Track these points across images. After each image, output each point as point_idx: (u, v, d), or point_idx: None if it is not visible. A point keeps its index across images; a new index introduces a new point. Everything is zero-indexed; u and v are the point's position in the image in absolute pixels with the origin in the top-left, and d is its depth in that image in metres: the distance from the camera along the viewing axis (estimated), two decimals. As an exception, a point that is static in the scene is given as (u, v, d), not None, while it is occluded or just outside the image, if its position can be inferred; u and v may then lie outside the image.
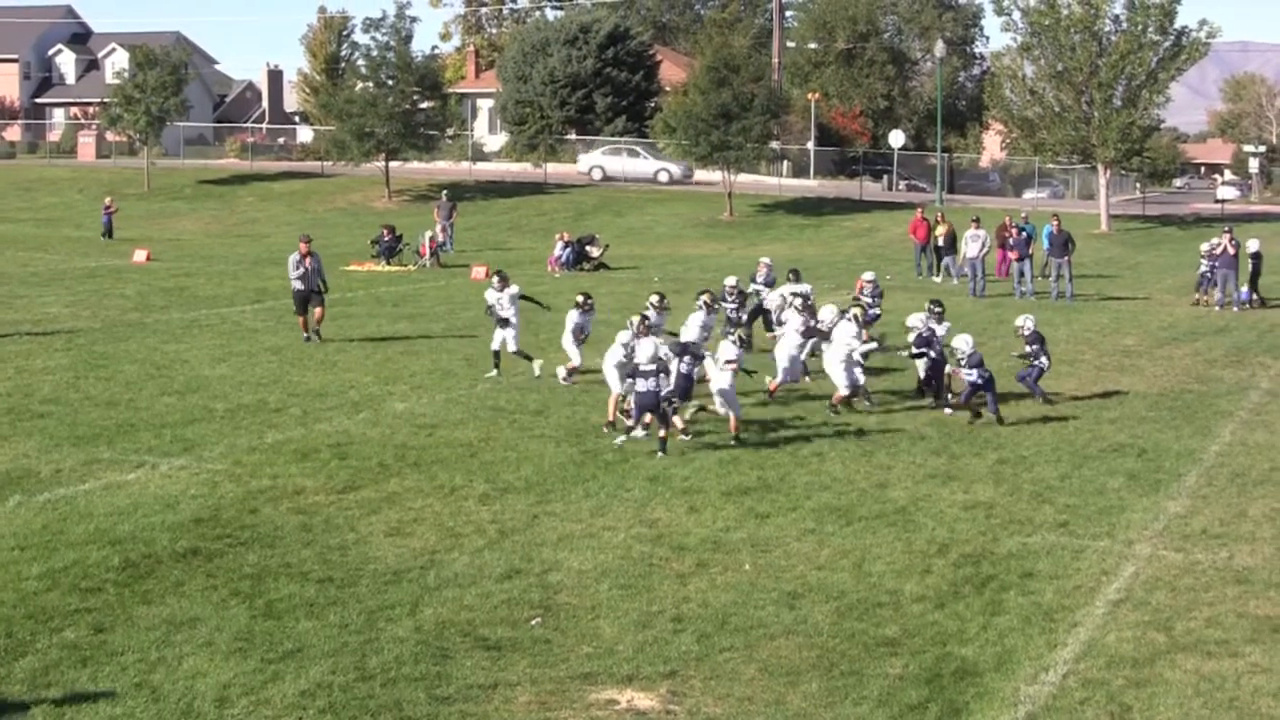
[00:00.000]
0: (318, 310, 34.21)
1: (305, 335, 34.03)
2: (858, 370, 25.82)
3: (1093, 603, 16.29)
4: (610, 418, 24.17)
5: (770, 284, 33.89)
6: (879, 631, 15.07)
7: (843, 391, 25.69)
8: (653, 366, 22.45)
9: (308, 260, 33.98)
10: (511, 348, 29.61)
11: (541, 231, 59.63)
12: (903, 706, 13.11)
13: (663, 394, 22.47)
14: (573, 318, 28.19)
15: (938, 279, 51.44)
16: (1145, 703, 13.42)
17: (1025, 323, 27.13)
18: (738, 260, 54.49)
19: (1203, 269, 46.34)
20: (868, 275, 35.17)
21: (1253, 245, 44.94)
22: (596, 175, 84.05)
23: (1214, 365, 33.17)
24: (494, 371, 29.39)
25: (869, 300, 32.73)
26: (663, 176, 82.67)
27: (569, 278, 49.87)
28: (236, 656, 13.85)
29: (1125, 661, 14.48)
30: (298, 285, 34.08)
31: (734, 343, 24.29)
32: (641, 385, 22.51)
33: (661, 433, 22.51)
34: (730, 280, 32.93)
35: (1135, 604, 16.33)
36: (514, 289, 29.73)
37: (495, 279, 30.23)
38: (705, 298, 28.57)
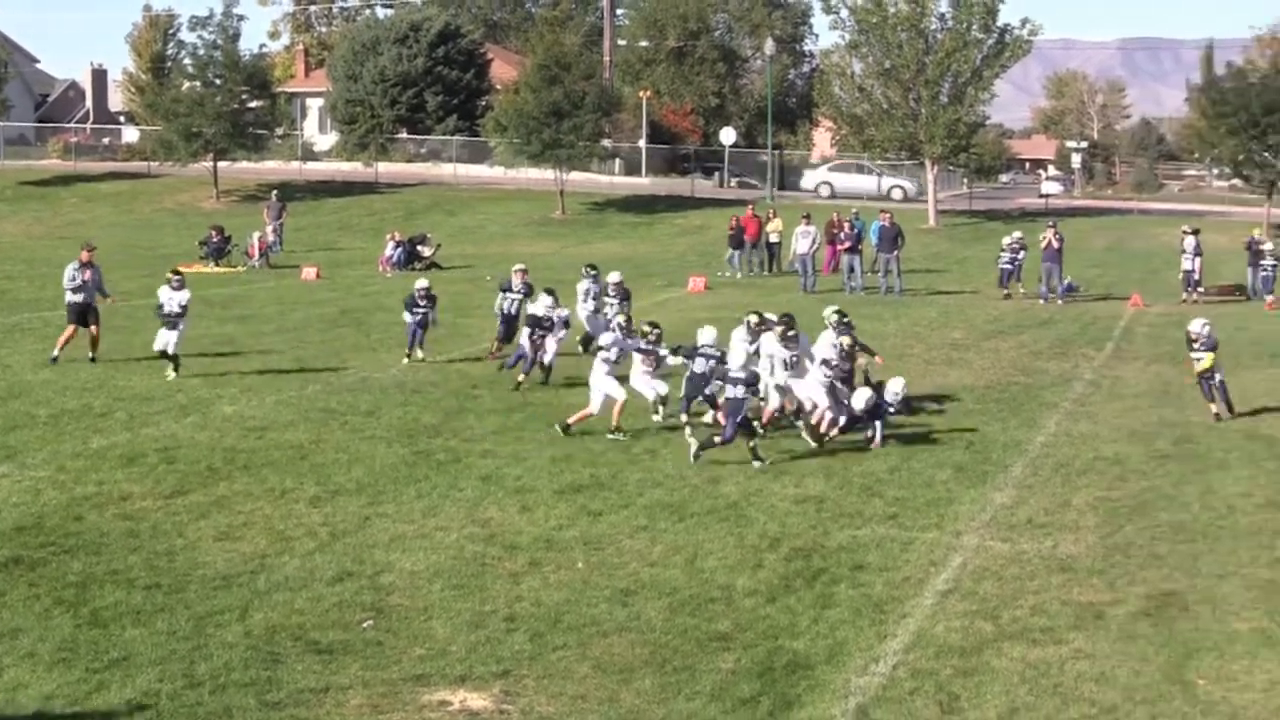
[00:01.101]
0: (94, 328, 30.95)
1: (54, 356, 30.48)
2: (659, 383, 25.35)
3: (921, 594, 16.46)
4: (614, 422, 24.22)
5: (527, 293, 32.15)
6: (711, 626, 15.12)
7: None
8: (742, 374, 22.78)
9: (88, 271, 31.04)
10: (170, 348, 28.90)
11: (372, 231, 59.31)
12: (735, 700, 13.16)
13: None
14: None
15: (765, 273, 51.73)
16: (973, 691, 13.58)
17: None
18: (570, 259, 54.56)
19: (1003, 263, 47.22)
20: (613, 276, 33.88)
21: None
22: (824, 192, 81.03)
23: (1039, 357, 33.72)
24: (171, 373, 28.78)
25: (612, 300, 32.64)
26: (896, 194, 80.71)
27: (400, 277, 49.53)
28: (60, 667, 13.56)
29: (953, 651, 14.64)
30: (74, 298, 30.78)
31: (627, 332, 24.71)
32: (730, 391, 22.64)
33: (751, 443, 22.57)
34: (614, 276, 33.15)
35: (963, 594, 16.52)
36: (186, 294, 29.10)
37: (172, 278, 29.34)
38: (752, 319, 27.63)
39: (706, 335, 24.76)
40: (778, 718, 12.85)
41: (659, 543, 18.12)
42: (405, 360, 30.69)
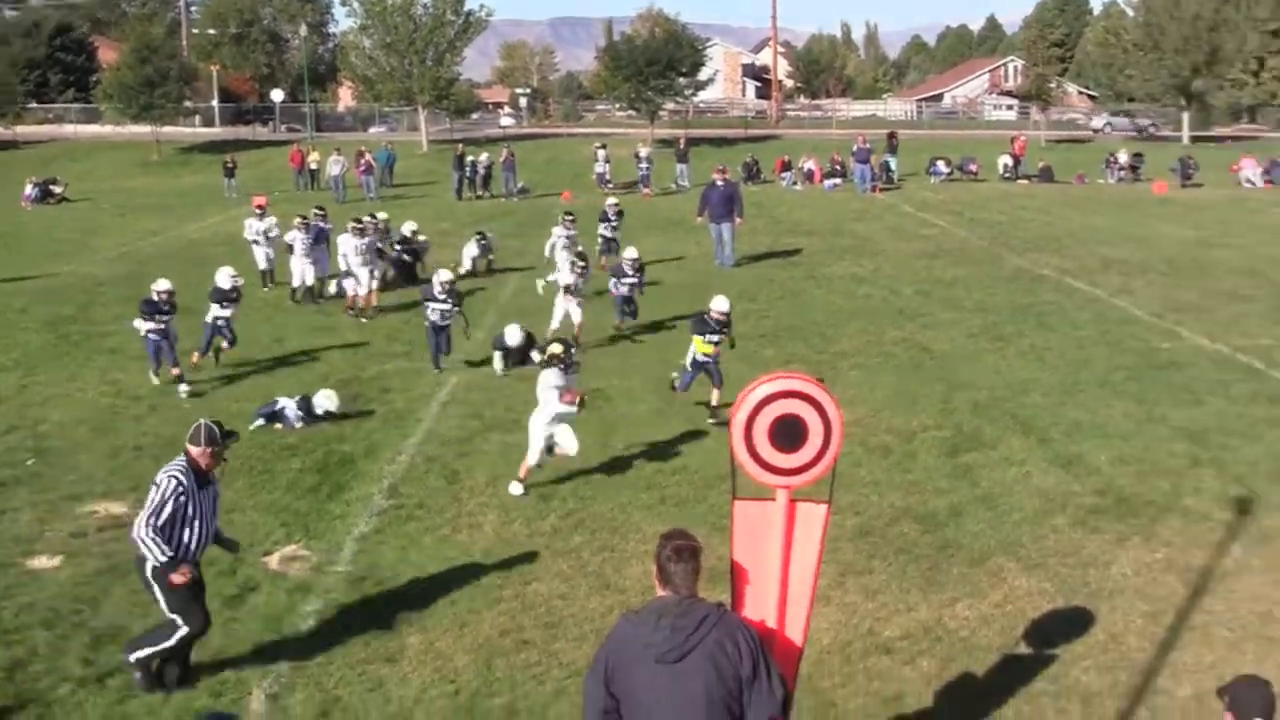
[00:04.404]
0: None
1: None
2: None
3: (430, 405, 16.59)
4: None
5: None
6: (283, 441, 14.91)
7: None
8: None
9: None
10: None
11: (16, 182, 54.84)
12: (303, 489, 13.08)
13: None
14: None
15: (308, 191, 50.41)
16: (468, 467, 13.83)
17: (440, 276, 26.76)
18: (166, 190, 52.49)
19: (470, 174, 47.52)
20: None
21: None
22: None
23: (507, 236, 33.77)
24: None
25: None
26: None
27: (38, 210, 46.41)
28: None
29: (454, 441, 14.85)
30: None
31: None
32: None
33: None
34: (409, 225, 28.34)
35: (458, 402, 16.72)
36: None
37: None
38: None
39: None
40: (334, 499, 12.83)
41: (241, 386, 17.75)
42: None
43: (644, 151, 50.88)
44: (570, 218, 25.76)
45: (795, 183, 51.23)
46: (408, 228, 27.77)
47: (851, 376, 17.52)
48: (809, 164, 53.18)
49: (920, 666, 9.00)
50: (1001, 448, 14.21)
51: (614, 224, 28.20)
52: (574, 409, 12.77)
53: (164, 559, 8.38)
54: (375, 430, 15.39)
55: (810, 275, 27.05)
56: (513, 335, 18.31)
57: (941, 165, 53.35)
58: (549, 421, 12.84)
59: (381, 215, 27.35)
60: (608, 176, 49.16)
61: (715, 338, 15.79)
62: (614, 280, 21.15)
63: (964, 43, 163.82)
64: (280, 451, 14.48)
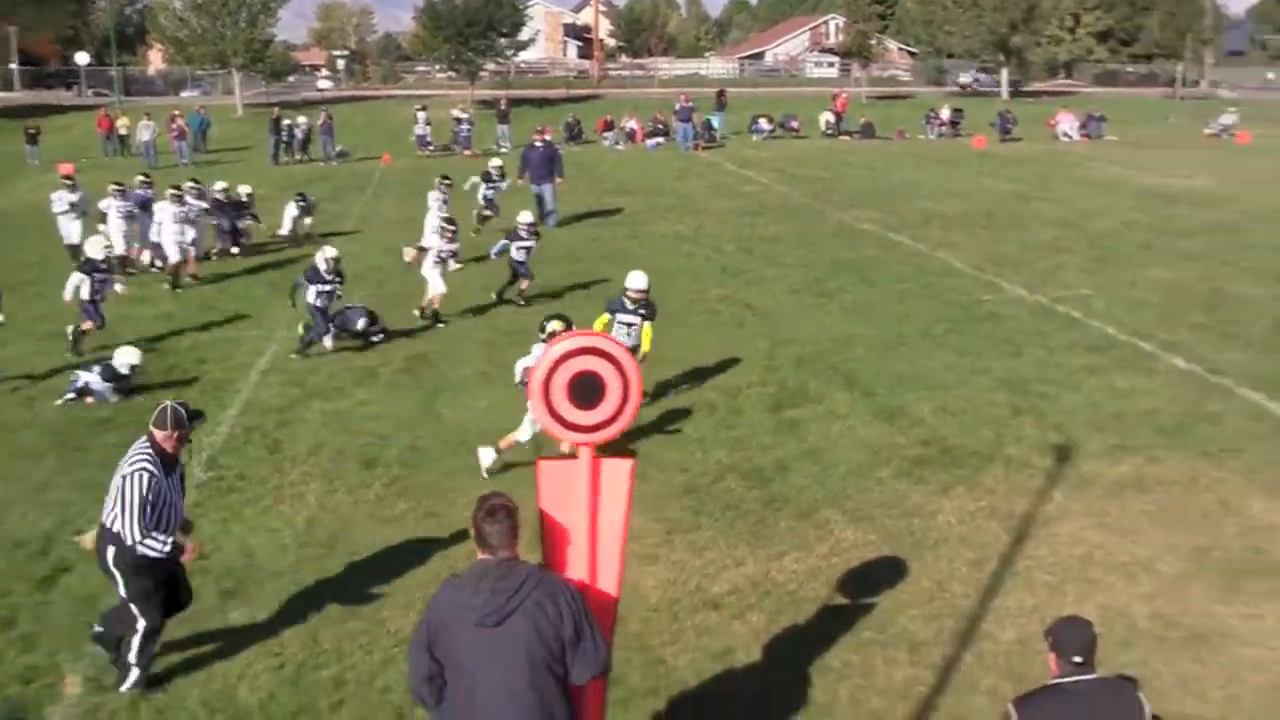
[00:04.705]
0: None
1: None
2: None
3: (249, 374, 16.21)
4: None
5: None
6: (99, 414, 14.43)
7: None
8: None
9: None
10: None
11: None
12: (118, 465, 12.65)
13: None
14: None
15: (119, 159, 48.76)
16: (289, 436, 13.56)
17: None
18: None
19: (286, 137, 46.42)
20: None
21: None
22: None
23: (325, 201, 33.16)
24: None
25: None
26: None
27: None
28: None
29: (274, 410, 14.54)
30: None
31: None
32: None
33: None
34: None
35: (278, 370, 16.36)
36: None
37: None
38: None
39: None
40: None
41: (50, 359, 17.10)
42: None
43: (459, 113, 50.42)
44: (447, 182, 24.98)
45: (617, 142, 51.26)
46: (244, 190, 26.98)
47: (676, 335, 17.61)
48: (631, 123, 53.27)
49: (749, 621, 9.10)
50: (826, 402, 14.43)
51: (498, 185, 27.89)
52: None
53: (168, 549, 7.97)
54: (192, 401, 14.74)
55: (633, 235, 27.11)
56: (356, 318, 17.71)
57: (764, 123, 53.93)
58: None
59: (220, 184, 26.30)
60: (428, 139, 48.58)
61: (631, 319, 13.73)
62: (512, 243, 20.16)
63: (785, 1, 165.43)
64: (94, 426, 14.00)
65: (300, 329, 17.46)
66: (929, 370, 15.73)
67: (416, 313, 18.92)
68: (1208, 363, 15.83)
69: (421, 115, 49.82)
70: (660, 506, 11.22)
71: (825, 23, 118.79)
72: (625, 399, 5.84)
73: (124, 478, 7.93)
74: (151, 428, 8.06)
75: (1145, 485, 11.65)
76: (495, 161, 29.34)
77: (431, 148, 47.99)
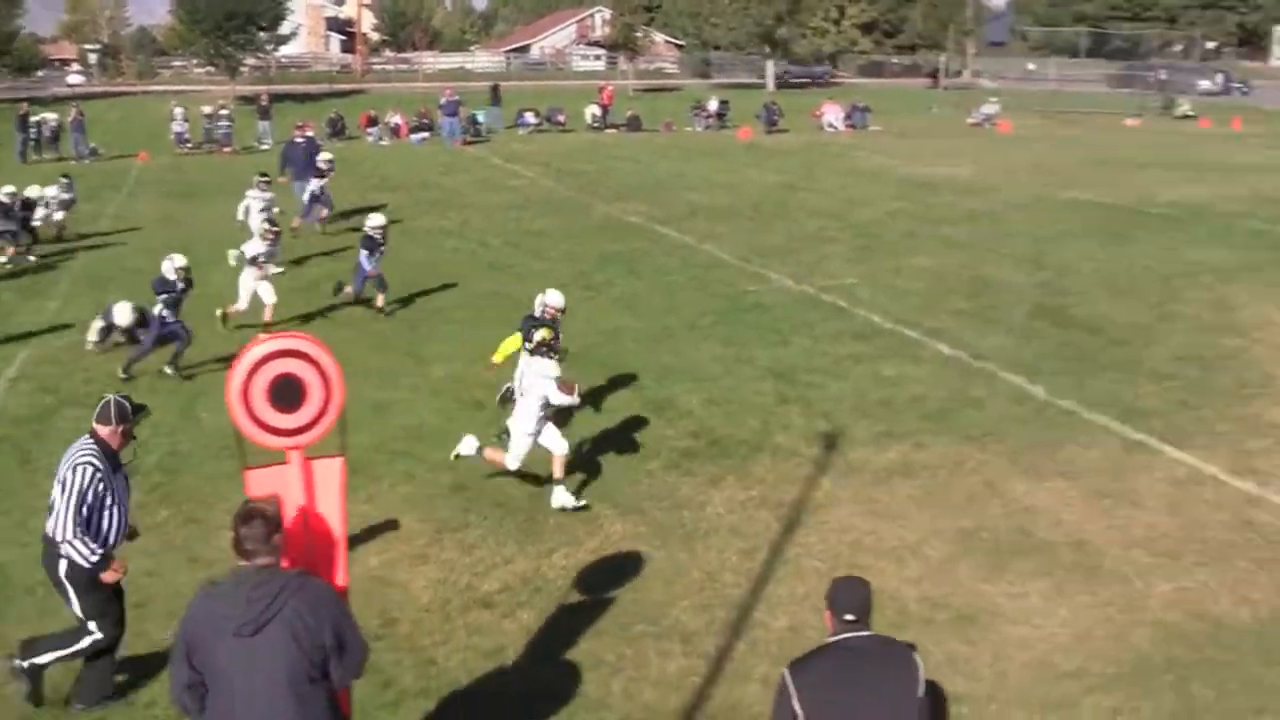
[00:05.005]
0: None
1: None
2: None
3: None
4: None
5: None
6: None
7: None
8: None
9: None
10: None
11: None
12: None
13: None
14: None
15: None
16: (43, 447, 12.89)
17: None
18: None
19: (35, 134, 44.58)
20: None
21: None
22: None
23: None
24: None
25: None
26: None
27: None
28: None
29: (25, 420, 13.91)
30: None
31: None
32: None
33: None
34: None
35: (28, 378, 15.64)
36: None
37: None
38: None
39: None
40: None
41: None
42: None
43: (211, 110, 48.98)
44: (265, 179, 23.84)
45: (382, 138, 50.61)
46: (32, 191, 25.65)
47: (443, 331, 17.46)
48: (395, 118, 52.60)
49: (520, 618, 9.09)
50: (595, 395, 14.48)
51: (325, 179, 26.79)
52: (575, 400, 11.33)
53: (95, 559, 7.57)
54: (-67, 415, 14.19)
55: (400, 231, 26.72)
56: (122, 314, 16.85)
57: (529, 116, 53.91)
58: (540, 418, 11.16)
59: (8, 187, 24.66)
60: (186, 136, 47.13)
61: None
62: (364, 255, 18.71)
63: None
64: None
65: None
66: (696, 362, 15.94)
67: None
68: (971, 348, 16.39)
69: (179, 112, 48.31)
70: (429, 506, 11.12)
71: (591, 16, 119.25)
72: (328, 401, 5.78)
73: (62, 476, 7.60)
74: (95, 423, 7.74)
75: (912, 471, 11.99)
76: (326, 155, 27.79)
77: (190, 145, 46.58)
